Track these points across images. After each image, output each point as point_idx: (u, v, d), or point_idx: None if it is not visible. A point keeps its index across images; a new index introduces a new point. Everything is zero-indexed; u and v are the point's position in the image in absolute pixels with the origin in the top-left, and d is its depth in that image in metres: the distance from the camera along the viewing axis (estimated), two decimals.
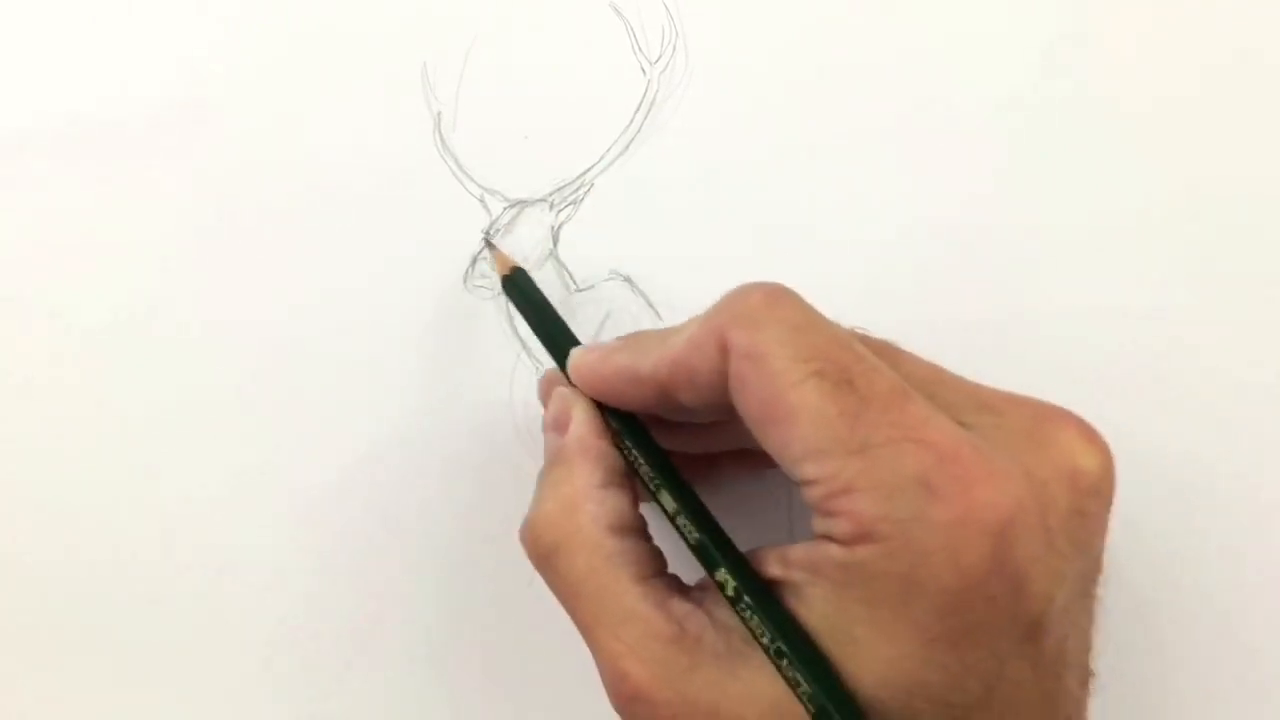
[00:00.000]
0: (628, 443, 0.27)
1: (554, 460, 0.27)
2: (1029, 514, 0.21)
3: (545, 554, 0.26)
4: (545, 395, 0.29)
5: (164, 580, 0.32)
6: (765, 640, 0.23)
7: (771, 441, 0.23)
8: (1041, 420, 0.23)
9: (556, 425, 0.27)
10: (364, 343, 0.33)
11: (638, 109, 0.34)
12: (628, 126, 0.34)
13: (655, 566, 0.26)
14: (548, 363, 0.33)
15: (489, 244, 0.33)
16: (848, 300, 0.33)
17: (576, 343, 0.29)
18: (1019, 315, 0.33)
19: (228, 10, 0.35)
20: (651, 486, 0.26)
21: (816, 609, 0.22)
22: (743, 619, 0.24)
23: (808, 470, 0.22)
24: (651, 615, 0.24)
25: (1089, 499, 0.23)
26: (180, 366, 0.33)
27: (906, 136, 0.34)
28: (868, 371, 0.23)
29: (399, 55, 0.35)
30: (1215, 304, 0.33)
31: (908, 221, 0.34)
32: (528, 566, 0.32)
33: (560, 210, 0.34)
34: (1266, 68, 0.34)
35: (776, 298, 0.24)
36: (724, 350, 0.24)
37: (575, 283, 0.34)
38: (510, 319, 0.33)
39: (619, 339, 0.28)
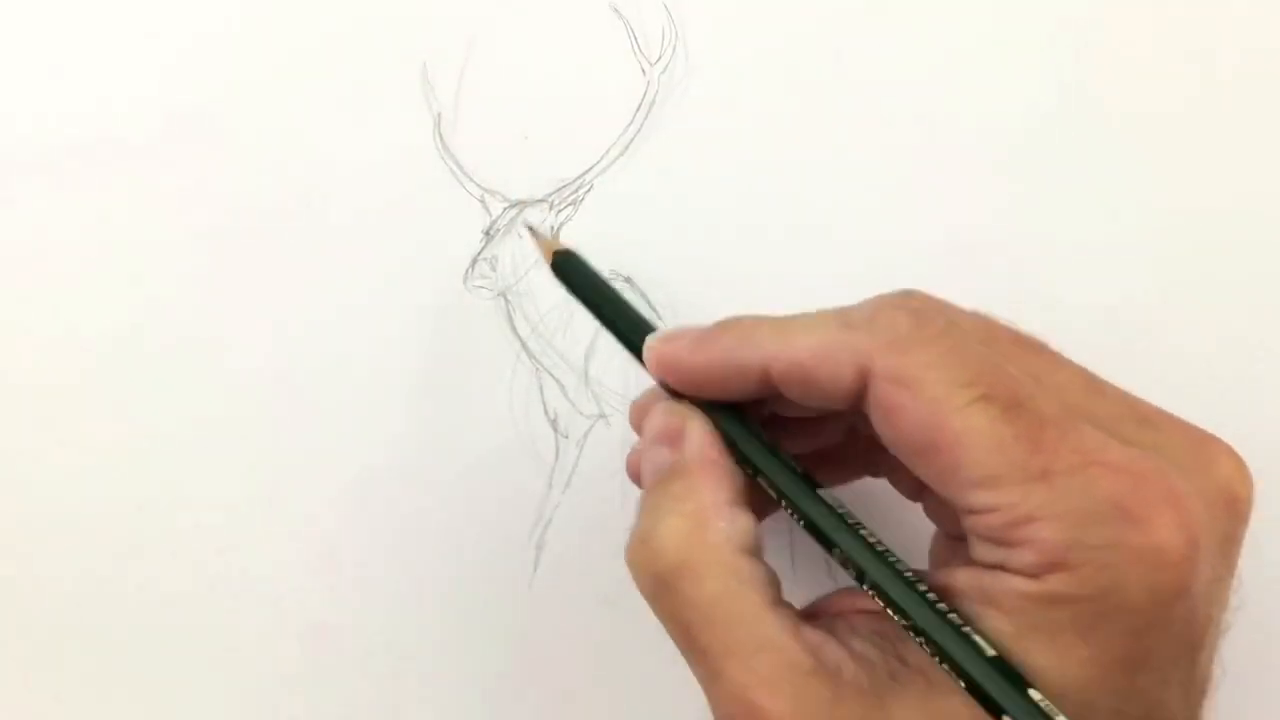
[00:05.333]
0: (751, 454, 0.25)
1: (672, 475, 0.25)
2: (1208, 537, 0.21)
3: (668, 574, 0.23)
4: (642, 412, 0.27)
5: (170, 587, 0.32)
6: (963, 667, 0.21)
7: (932, 468, 0.22)
8: (1201, 443, 0.23)
9: (668, 438, 0.25)
10: (364, 343, 0.33)
11: (637, 109, 0.34)
12: (627, 127, 0.34)
13: (779, 591, 0.24)
14: (547, 364, 0.33)
15: (531, 231, 0.32)
16: (848, 300, 0.33)
17: (650, 328, 0.27)
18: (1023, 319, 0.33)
19: (226, 13, 0.35)
20: (796, 505, 0.24)
21: (990, 638, 0.22)
22: (930, 648, 0.22)
23: (982, 498, 0.21)
24: (788, 644, 0.22)
25: (1240, 525, 0.23)
26: (181, 366, 0.33)
27: (907, 135, 0.34)
28: (1035, 394, 0.22)
29: (399, 56, 0.34)
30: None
31: (909, 221, 0.34)
32: (527, 568, 0.32)
33: (560, 210, 0.34)
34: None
35: (923, 317, 0.23)
36: (863, 373, 0.23)
37: None
38: (510, 319, 0.33)
39: (701, 326, 0.26)
